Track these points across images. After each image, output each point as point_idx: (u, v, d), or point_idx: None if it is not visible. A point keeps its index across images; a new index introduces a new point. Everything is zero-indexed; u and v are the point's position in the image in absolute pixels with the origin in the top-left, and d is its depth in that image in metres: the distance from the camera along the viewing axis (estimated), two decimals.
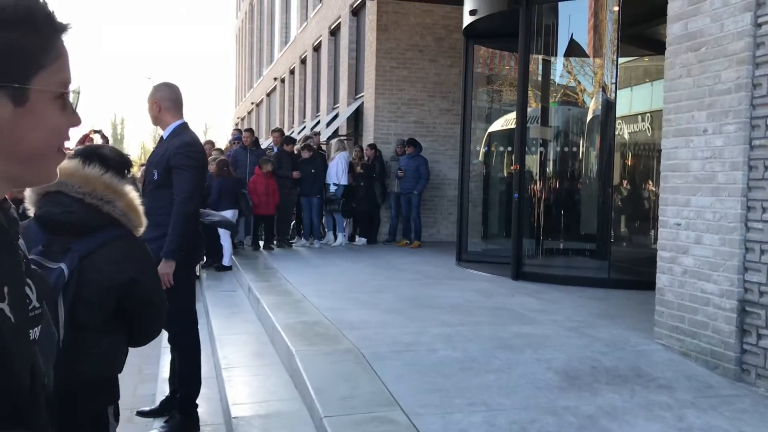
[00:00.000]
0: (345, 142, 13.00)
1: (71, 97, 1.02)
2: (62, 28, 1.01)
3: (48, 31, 0.99)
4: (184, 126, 4.17)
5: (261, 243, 11.45)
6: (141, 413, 4.56)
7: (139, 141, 73.63)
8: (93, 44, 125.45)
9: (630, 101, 10.22)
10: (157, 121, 4.17)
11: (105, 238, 2.22)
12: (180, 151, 4.01)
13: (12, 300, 0.95)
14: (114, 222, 2.23)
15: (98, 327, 2.25)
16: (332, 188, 11.79)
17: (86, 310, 2.19)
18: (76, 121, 1.03)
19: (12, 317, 0.94)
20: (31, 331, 1.05)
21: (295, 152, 11.84)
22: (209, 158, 10.46)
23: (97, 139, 11.03)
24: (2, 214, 1.00)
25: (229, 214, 10.22)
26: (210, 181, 9.74)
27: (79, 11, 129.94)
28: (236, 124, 39.17)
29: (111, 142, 11.89)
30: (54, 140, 1.01)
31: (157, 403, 4.63)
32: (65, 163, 2.05)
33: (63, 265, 2.13)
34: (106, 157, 2.35)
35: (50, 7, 1.00)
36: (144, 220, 2.33)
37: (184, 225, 3.93)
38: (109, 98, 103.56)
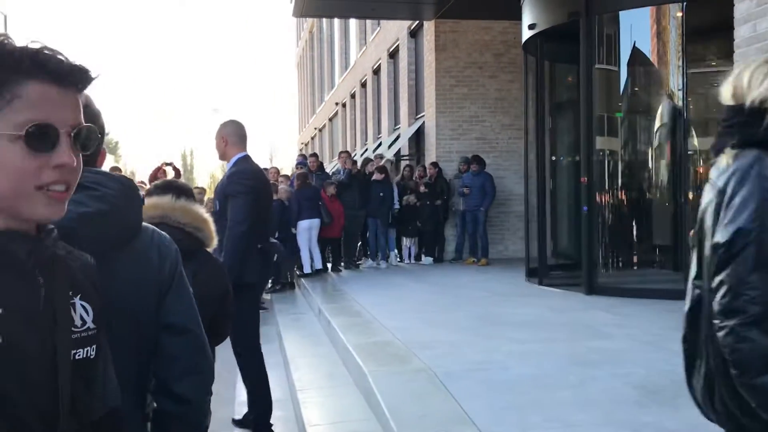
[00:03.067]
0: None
1: (65, 136, 1.04)
2: (25, 68, 1.02)
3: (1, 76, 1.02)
4: (245, 158, 4.40)
5: (329, 265, 11.58)
6: None
7: (209, 171, 75.71)
8: (163, 78, 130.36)
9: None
10: (223, 155, 4.44)
11: (202, 258, 2.68)
12: (232, 179, 4.26)
13: (7, 322, 0.99)
14: (203, 245, 2.63)
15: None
16: (397, 206, 11.95)
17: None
18: (57, 160, 1.04)
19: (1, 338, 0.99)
20: (79, 350, 1.11)
21: (364, 171, 11.93)
22: (274, 183, 10.72)
23: (170, 172, 11.42)
24: (21, 245, 1.05)
25: (305, 224, 10.50)
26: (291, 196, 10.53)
27: (149, 49, 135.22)
28: (301, 150, 39.87)
29: (182, 173, 12.31)
30: (21, 182, 1.02)
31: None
32: (161, 200, 2.51)
33: None
34: (189, 191, 2.74)
35: (9, 48, 1.02)
36: (215, 242, 2.75)
37: (234, 246, 4.09)
38: (178, 131, 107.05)
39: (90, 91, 1.19)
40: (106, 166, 2.46)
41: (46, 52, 1.04)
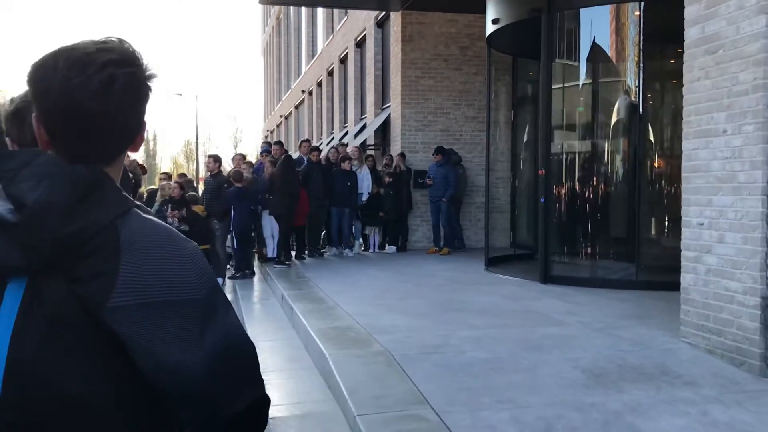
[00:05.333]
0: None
1: None
2: None
3: None
4: None
5: (293, 253, 11.68)
6: None
7: (171, 156, 74.88)
8: None
9: None
10: None
11: None
12: None
13: None
14: None
15: None
16: (365, 196, 12.07)
17: None
18: None
19: None
20: None
21: (323, 161, 12.03)
22: (233, 170, 10.81)
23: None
24: None
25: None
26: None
27: (111, 31, 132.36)
28: (266, 137, 39.68)
29: (144, 158, 12.24)
30: None
31: None
32: None
33: None
34: None
35: None
36: None
37: None
38: None
39: None
40: None
41: None
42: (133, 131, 1.13)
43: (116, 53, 1.08)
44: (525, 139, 11.41)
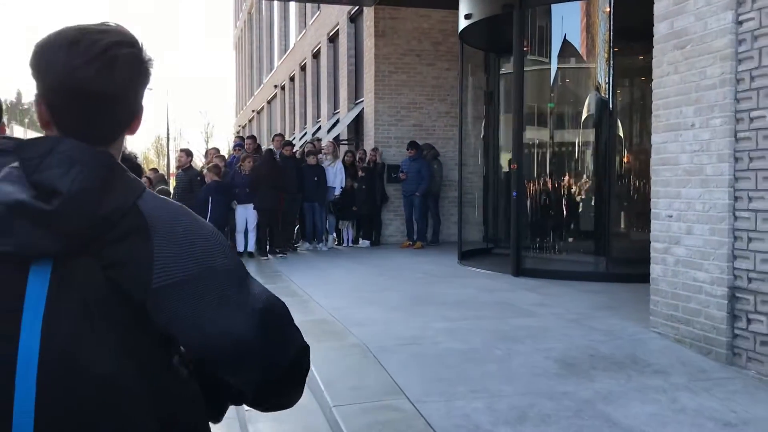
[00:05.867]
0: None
1: None
2: None
3: None
4: None
5: (267, 248, 11.63)
6: None
7: (141, 151, 73.99)
8: None
9: None
10: None
11: None
12: None
13: None
14: None
15: None
16: (337, 191, 12.04)
17: None
18: None
19: None
20: None
21: (297, 156, 12.03)
22: (212, 164, 10.72)
23: None
24: None
25: (250, 207, 10.98)
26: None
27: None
28: (237, 132, 39.40)
29: None
30: None
31: None
32: None
33: None
34: None
35: None
36: None
37: None
38: None
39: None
40: None
41: None
42: (132, 114, 1.15)
43: (117, 35, 1.10)
44: (497, 134, 11.49)
